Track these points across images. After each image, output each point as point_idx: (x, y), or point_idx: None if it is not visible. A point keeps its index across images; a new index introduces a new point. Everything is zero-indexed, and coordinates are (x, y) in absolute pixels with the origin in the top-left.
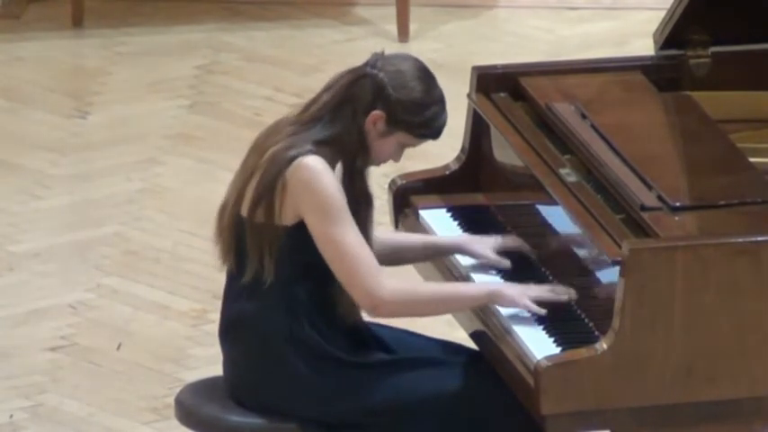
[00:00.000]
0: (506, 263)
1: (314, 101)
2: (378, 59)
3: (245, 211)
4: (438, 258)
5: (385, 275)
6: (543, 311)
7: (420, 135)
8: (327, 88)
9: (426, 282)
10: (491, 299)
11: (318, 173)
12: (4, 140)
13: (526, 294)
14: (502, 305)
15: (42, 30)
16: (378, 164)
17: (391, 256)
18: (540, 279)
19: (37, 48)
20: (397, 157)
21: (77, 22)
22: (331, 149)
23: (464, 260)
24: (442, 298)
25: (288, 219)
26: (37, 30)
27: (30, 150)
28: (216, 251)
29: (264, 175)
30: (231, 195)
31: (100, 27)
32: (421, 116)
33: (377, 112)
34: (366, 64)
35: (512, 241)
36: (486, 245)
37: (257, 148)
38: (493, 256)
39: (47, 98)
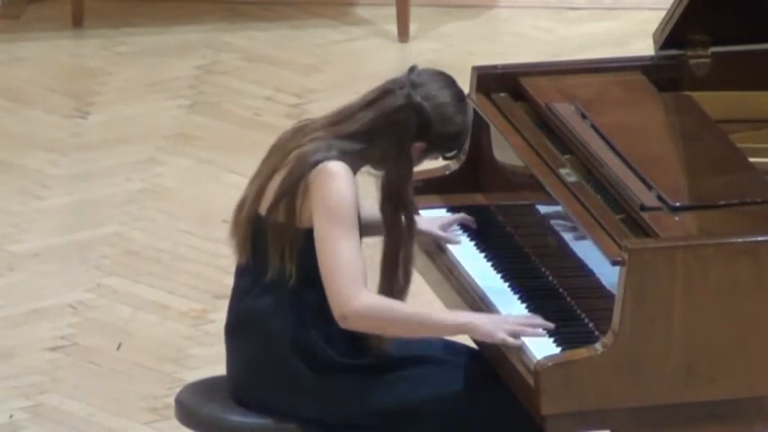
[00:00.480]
0: (457, 239)
1: (350, 114)
2: (418, 84)
3: (264, 210)
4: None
5: (365, 290)
6: (519, 343)
7: (449, 158)
8: (367, 105)
9: (403, 303)
10: (465, 330)
11: (338, 177)
12: (4, 140)
13: (502, 328)
14: (476, 338)
15: (42, 30)
16: None
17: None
18: (540, 279)
19: (37, 48)
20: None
21: (77, 22)
22: (356, 162)
23: (472, 269)
24: (414, 322)
25: (306, 221)
26: (37, 30)
27: (30, 150)
28: (231, 245)
29: (288, 176)
30: (250, 193)
31: (100, 27)
32: (456, 144)
33: (419, 145)
34: (404, 86)
35: (455, 218)
36: (433, 223)
37: (279, 148)
38: (440, 233)
39: (47, 98)
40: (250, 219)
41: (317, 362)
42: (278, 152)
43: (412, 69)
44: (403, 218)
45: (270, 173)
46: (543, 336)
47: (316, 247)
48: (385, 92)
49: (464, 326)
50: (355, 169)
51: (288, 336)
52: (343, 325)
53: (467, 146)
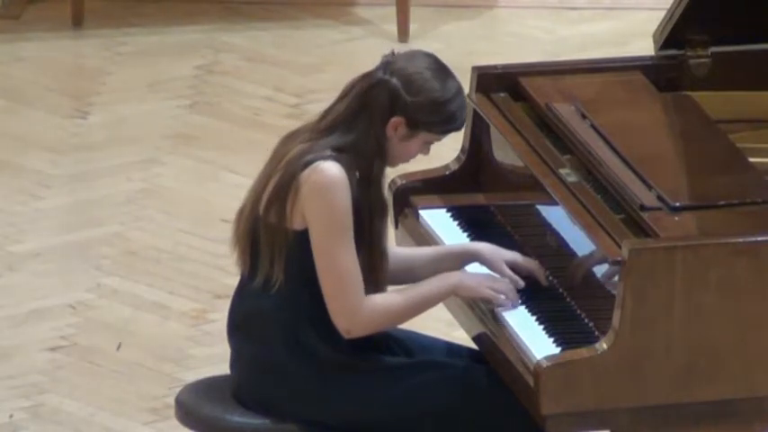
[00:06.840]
0: (521, 283)
1: (330, 110)
2: (389, 63)
3: (261, 212)
4: (450, 265)
5: (364, 300)
6: (502, 297)
7: (444, 131)
8: (343, 96)
9: (395, 295)
10: (455, 292)
11: (334, 183)
12: (4, 140)
13: (484, 284)
14: (464, 296)
15: (42, 30)
16: (403, 162)
17: (406, 272)
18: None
19: (37, 48)
20: (425, 151)
21: (77, 22)
22: (349, 157)
23: (471, 269)
24: (413, 308)
25: (297, 223)
26: (37, 30)
27: (30, 150)
28: (233, 255)
29: (281, 178)
30: (248, 201)
31: (100, 27)
32: (441, 114)
33: (396, 119)
34: (378, 69)
35: (527, 262)
36: (501, 257)
37: (275, 155)
38: (507, 272)
39: (47, 98)
40: (249, 227)
41: (317, 361)
42: (273, 159)
43: (388, 54)
44: (371, 194)
45: (265, 180)
46: (517, 303)
47: (315, 259)
48: (360, 79)
49: (454, 288)
50: (351, 167)
51: (288, 337)
52: (347, 337)
53: (466, 144)
